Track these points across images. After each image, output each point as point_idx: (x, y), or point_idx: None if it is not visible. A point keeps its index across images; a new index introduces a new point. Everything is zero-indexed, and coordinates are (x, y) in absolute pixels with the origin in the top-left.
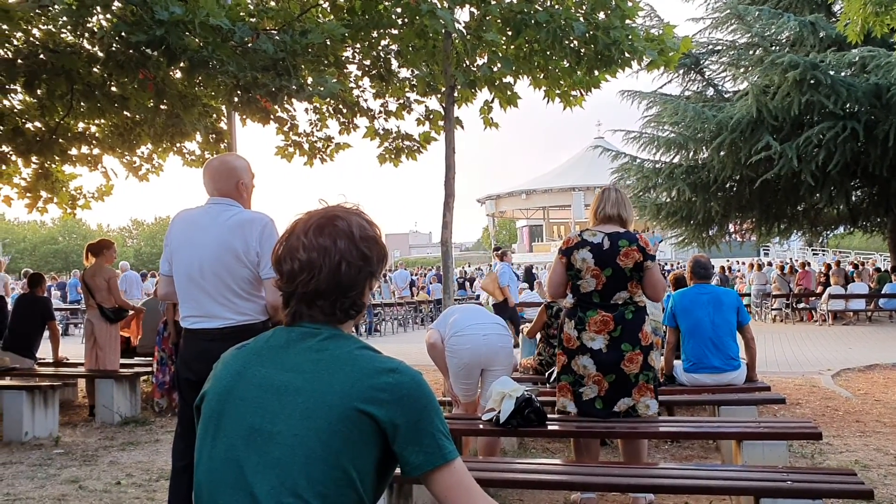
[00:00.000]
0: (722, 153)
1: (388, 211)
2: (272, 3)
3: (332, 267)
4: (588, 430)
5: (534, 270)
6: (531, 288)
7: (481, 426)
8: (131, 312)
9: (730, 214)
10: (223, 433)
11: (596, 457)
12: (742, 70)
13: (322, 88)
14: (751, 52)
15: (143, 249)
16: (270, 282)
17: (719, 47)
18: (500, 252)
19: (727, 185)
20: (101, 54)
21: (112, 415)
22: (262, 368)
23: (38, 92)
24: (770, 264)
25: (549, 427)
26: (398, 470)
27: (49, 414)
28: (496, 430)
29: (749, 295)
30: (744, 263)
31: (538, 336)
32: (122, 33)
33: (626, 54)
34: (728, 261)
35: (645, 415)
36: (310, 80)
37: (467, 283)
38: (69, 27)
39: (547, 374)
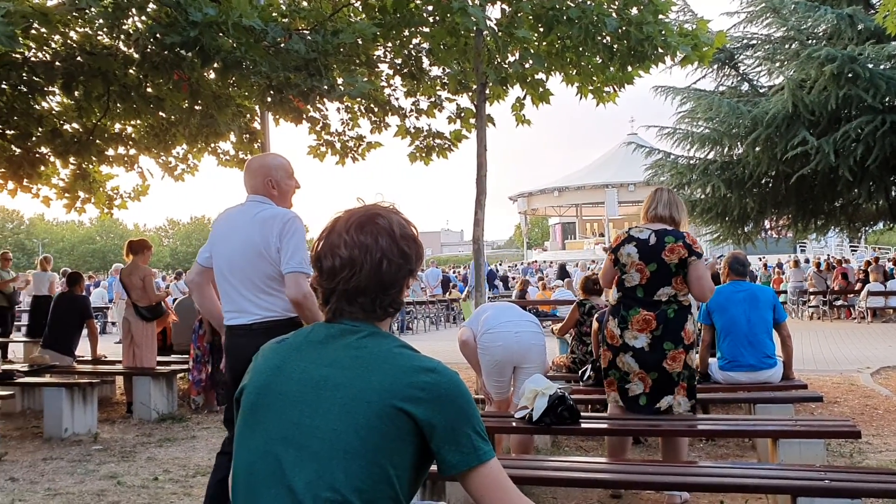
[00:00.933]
0: (757, 149)
1: (419, 209)
2: (304, 4)
3: (373, 264)
4: (622, 429)
5: (567, 268)
6: (565, 285)
7: (514, 424)
8: (168, 313)
9: (765, 211)
10: (262, 426)
11: (624, 454)
12: (778, 64)
13: (353, 88)
14: (787, 46)
15: (179, 249)
16: (290, 277)
17: (754, 41)
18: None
19: (762, 181)
20: (136, 56)
21: (149, 411)
22: (301, 363)
23: (76, 94)
24: (807, 261)
25: (583, 425)
26: (433, 467)
27: (88, 411)
28: (529, 428)
29: (786, 292)
30: (785, 261)
31: (570, 334)
32: (157, 35)
33: (660, 50)
34: (762, 258)
35: (678, 412)
36: (340, 80)
37: (500, 282)
38: (105, 29)
39: (580, 372)
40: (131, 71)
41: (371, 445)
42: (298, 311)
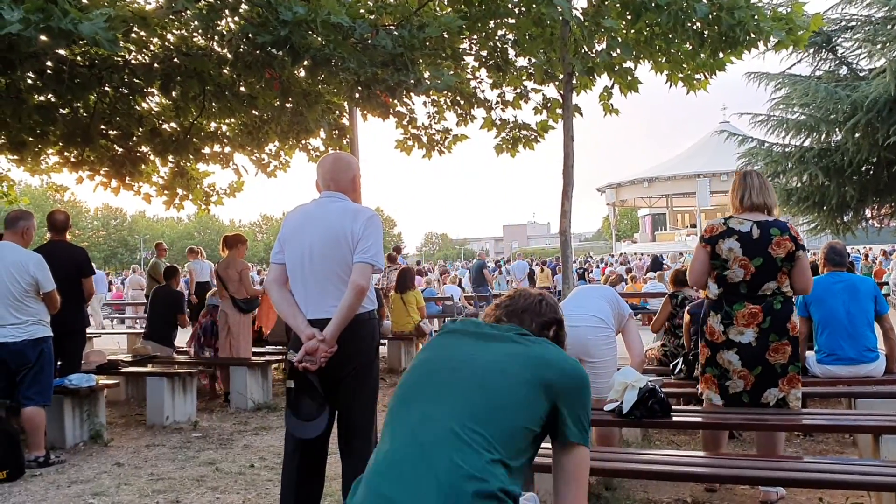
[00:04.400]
0: (857, 135)
1: (505, 202)
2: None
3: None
4: (715, 422)
5: (661, 258)
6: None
7: (603, 417)
8: (263, 303)
9: (866, 199)
10: (420, 397)
11: (720, 449)
12: (879, 46)
13: (439, 82)
14: (889, 27)
15: (273, 243)
16: (362, 266)
17: (853, 23)
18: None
19: (863, 169)
20: (229, 56)
21: (245, 400)
22: (464, 348)
23: (173, 94)
24: None
25: (675, 418)
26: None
27: (188, 399)
28: (618, 421)
29: (888, 284)
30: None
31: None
32: (249, 35)
33: (752, 35)
34: (866, 248)
35: (796, 407)
36: (427, 74)
37: (587, 274)
38: (200, 31)
39: (671, 365)
40: (225, 71)
41: (520, 405)
42: (353, 298)
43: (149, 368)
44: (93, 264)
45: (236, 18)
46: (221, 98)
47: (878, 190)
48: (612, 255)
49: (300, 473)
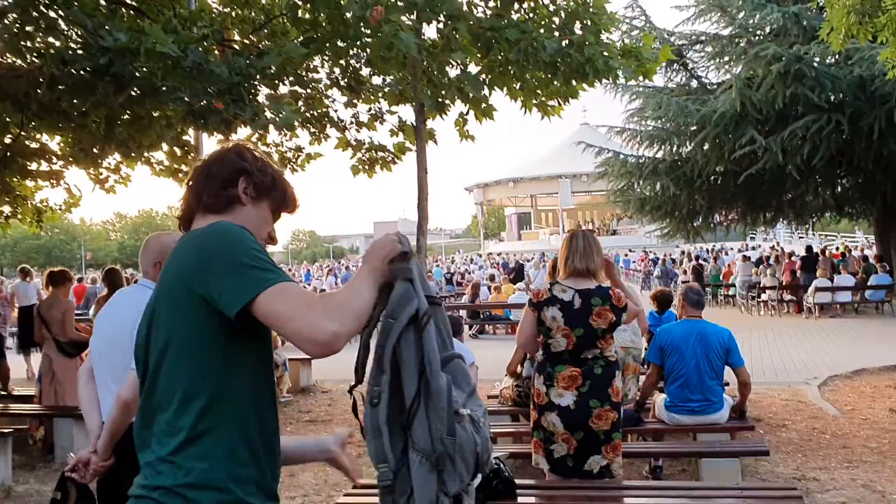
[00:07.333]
0: (706, 147)
1: (376, 198)
2: (234, 14)
3: None
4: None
5: (526, 269)
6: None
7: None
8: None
9: (714, 206)
10: None
11: None
12: (726, 59)
13: (277, 119)
14: (734, 44)
15: (127, 243)
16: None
17: (703, 38)
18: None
19: (712, 179)
20: (41, 80)
21: (78, 452)
22: None
23: None
24: (754, 249)
25: (519, 500)
26: None
27: (2, 460)
28: None
29: (734, 286)
30: (732, 250)
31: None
32: (65, 59)
33: (601, 71)
34: (715, 248)
35: (619, 475)
36: (267, 106)
37: (454, 279)
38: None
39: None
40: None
41: None
42: (114, 411)
43: None
44: None
45: (51, 39)
46: (46, 116)
47: (726, 198)
48: (480, 255)
49: None
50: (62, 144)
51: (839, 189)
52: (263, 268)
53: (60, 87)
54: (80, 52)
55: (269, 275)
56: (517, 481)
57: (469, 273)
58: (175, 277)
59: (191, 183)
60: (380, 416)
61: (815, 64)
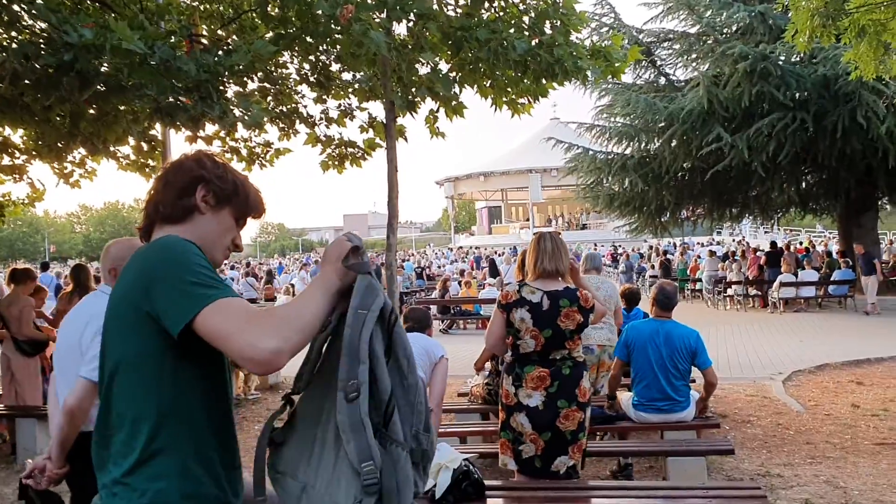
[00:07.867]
0: (673, 144)
1: (345, 191)
2: (203, 8)
3: None
4: None
5: (498, 264)
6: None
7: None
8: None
9: (682, 202)
10: None
11: None
12: (694, 56)
13: (247, 118)
14: (702, 42)
15: (93, 235)
16: (79, 382)
17: (671, 36)
18: None
19: (679, 175)
20: (2, 74)
21: (34, 457)
22: None
23: None
24: (720, 244)
25: (488, 502)
26: None
27: None
28: None
29: (701, 280)
30: (701, 245)
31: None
32: (27, 54)
33: (570, 72)
34: (683, 242)
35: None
36: (235, 104)
37: (424, 273)
38: None
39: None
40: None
41: None
42: (63, 420)
43: None
44: None
45: (13, 34)
46: (8, 110)
47: (693, 194)
48: (451, 249)
49: None
50: (25, 139)
51: (804, 186)
52: (206, 284)
53: (24, 81)
54: (43, 47)
55: (210, 291)
56: (486, 482)
57: (441, 268)
58: (122, 295)
59: (151, 192)
60: (361, 409)
61: (781, 62)
